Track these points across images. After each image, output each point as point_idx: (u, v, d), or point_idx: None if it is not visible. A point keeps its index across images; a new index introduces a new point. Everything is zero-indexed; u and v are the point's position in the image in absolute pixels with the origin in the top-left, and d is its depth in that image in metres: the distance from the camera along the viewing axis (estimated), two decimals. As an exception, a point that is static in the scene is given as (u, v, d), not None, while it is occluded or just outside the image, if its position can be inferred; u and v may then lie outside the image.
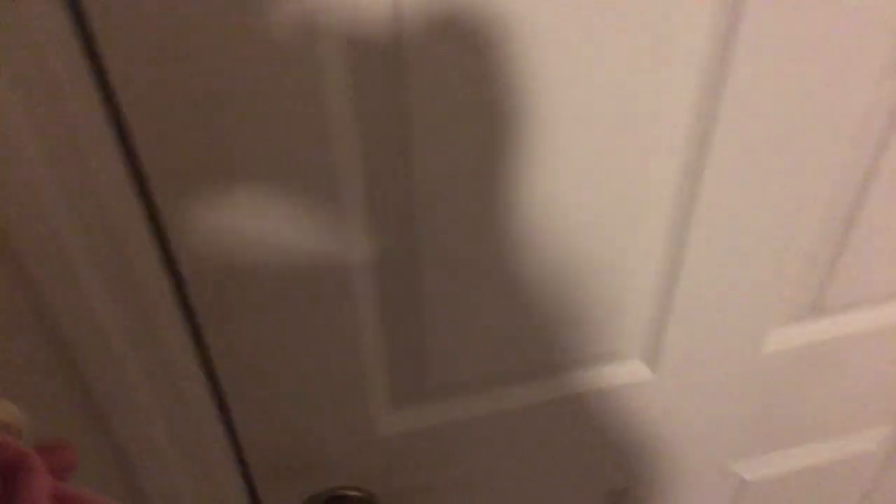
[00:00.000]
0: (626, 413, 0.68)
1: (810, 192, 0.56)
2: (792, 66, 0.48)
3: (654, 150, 0.51)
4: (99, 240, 0.42)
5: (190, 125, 0.41)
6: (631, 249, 0.56)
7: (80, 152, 0.39)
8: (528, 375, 0.62)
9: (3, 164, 0.36)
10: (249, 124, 0.42)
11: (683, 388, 0.68)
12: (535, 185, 0.50)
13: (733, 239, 0.57)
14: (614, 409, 0.67)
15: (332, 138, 0.44)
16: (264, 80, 0.41)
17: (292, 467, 0.62)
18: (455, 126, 0.46)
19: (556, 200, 0.51)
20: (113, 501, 0.31)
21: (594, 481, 0.74)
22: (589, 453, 0.71)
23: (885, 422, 0.81)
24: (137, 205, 0.44)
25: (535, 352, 0.60)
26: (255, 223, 0.46)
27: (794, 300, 0.64)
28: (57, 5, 0.36)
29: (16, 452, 0.29)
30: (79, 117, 0.38)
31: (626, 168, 0.51)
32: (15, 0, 0.34)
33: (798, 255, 0.60)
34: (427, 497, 0.69)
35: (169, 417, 0.51)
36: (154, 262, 0.46)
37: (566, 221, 0.53)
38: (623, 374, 0.65)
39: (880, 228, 0.60)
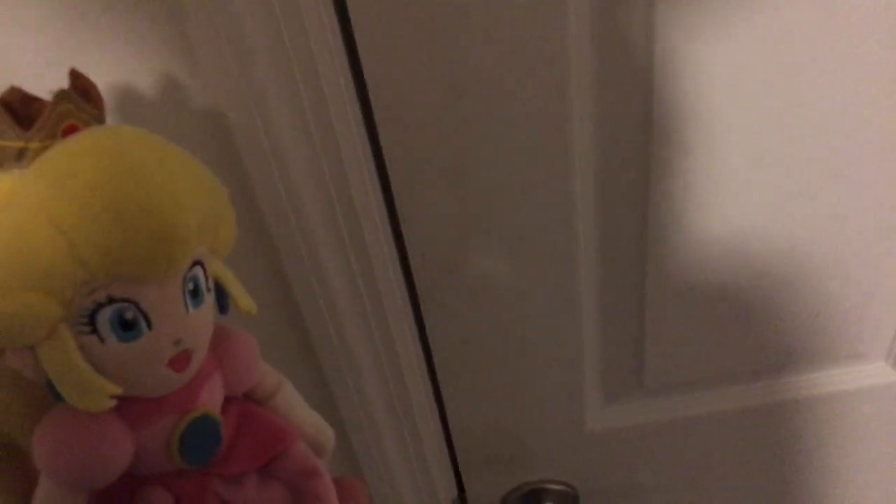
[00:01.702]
0: (864, 419, 0.60)
1: None
2: None
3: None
4: (343, 234, 0.42)
5: (432, 122, 0.41)
6: (885, 242, 0.50)
7: (341, 165, 0.40)
8: (753, 376, 0.57)
9: (271, 174, 0.38)
10: (490, 130, 0.42)
11: (934, 394, 0.59)
12: (776, 173, 0.45)
13: None
14: (850, 415, 0.60)
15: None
16: (507, 83, 0.40)
17: (499, 457, 0.61)
18: (696, 118, 0.42)
19: (802, 190, 0.46)
20: None
21: (822, 495, 0.67)
22: (814, 461, 0.64)
23: None
24: (380, 202, 0.44)
25: (764, 353, 0.55)
26: (488, 225, 0.46)
27: None
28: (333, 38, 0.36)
29: (312, 465, 0.31)
30: (341, 134, 0.39)
31: (883, 151, 0.45)
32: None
33: None
34: (630, 498, 0.66)
35: (389, 401, 0.51)
36: (390, 259, 0.46)
37: (812, 213, 0.47)
38: (864, 375, 0.58)
39: None
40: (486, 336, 0.52)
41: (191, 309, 0.26)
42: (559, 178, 0.44)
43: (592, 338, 0.53)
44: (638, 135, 0.43)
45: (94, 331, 0.24)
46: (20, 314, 0.22)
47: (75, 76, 0.25)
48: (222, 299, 0.29)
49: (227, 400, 0.30)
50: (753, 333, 0.54)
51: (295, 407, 0.34)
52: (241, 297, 0.29)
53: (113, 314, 0.24)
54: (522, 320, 0.51)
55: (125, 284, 0.23)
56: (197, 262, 0.26)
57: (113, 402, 0.24)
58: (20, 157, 0.24)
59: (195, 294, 0.26)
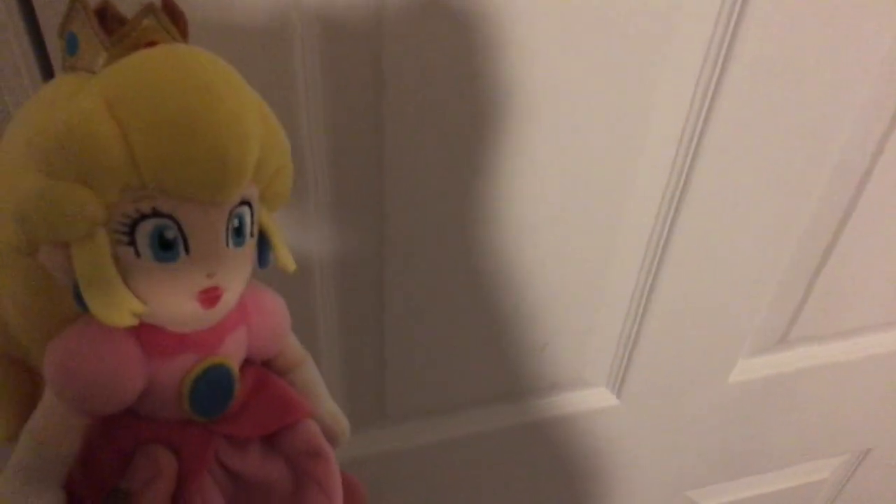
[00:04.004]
0: (590, 440, 0.66)
1: (787, 227, 0.55)
2: (780, 100, 0.47)
3: (633, 178, 0.49)
4: None
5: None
6: (601, 278, 0.54)
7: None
8: (489, 401, 0.60)
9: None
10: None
11: (647, 415, 0.66)
12: (505, 212, 0.48)
13: (707, 270, 0.56)
14: (577, 436, 0.65)
15: (302, 153, 0.41)
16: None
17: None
18: (428, 142, 0.43)
19: (528, 228, 0.49)
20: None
21: (552, 509, 0.72)
22: (548, 480, 0.68)
23: (841, 451, 0.81)
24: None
25: (497, 379, 0.58)
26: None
27: (763, 332, 0.63)
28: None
29: (321, 447, 0.29)
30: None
31: (600, 196, 0.49)
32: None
33: (771, 288, 0.59)
34: (379, 523, 0.66)
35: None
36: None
37: (536, 249, 0.50)
38: (588, 400, 0.63)
39: (852, 263, 0.59)
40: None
41: (231, 246, 0.24)
42: (299, 210, 0.43)
43: (332, 369, 0.52)
44: (370, 171, 0.43)
45: (132, 243, 0.22)
46: (65, 206, 0.21)
47: (167, 1, 0.24)
48: (264, 253, 0.27)
49: (246, 362, 0.28)
50: (488, 362, 0.56)
51: (315, 387, 0.32)
52: (284, 254, 0.27)
53: (154, 230, 0.22)
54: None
55: (171, 200, 0.22)
56: (246, 202, 0.25)
57: (135, 321, 0.23)
58: (91, 64, 0.24)
59: (238, 233, 0.25)
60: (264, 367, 0.30)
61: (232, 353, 0.27)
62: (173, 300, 0.24)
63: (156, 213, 0.22)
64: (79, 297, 0.23)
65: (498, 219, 0.48)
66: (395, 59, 0.39)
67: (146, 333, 0.24)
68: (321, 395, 0.33)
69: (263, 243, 0.27)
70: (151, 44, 0.24)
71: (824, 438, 0.78)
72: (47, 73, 0.35)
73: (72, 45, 0.25)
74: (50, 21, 0.34)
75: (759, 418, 0.70)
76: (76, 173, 0.21)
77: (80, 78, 0.24)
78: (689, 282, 0.56)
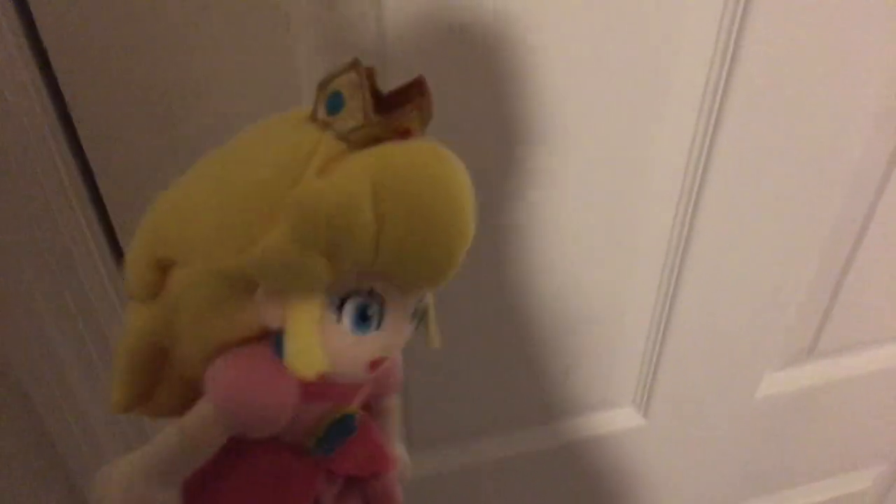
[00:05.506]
0: (618, 460, 0.65)
1: (807, 239, 0.54)
2: (788, 113, 0.47)
3: (647, 199, 0.49)
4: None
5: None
6: (622, 298, 0.54)
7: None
8: (516, 425, 0.60)
9: None
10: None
11: (676, 433, 0.66)
12: (525, 239, 0.48)
13: (726, 287, 0.55)
14: (606, 457, 0.65)
15: None
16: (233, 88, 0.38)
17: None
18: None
19: (549, 253, 0.50)
20: None
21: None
22: (579, 503, 0.68)
23: (879, 461, 0.80)
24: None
25: (523, 402, 0.58)
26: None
27: (789, 345, 0.62)
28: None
29: (394, 491, 0.32)
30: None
31: (619, 217, 0.50)
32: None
33: (794, 302, 0.58)
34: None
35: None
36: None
37: (558, 273, 0.51)
38: (614, 420, 0.63)
39: (874, 273, 0.58)
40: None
41: (411, 325, 0.26)
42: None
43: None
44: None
45: (339, 309, 0.24)
46: (304, 272, 0.23)
47: (421, 85, 0.25)
48: None
49: None
50: (513, 386, 0.56)
51: (394, 433, 0.34)
52: (434, 331, 0.29)
53: (360, 304, 0.24)
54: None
55: (386, 283, 0.24)
56: None
57: (316, 377, 0.24)
58: (349, 133, 0.24)
59: (417, 313, 0.27)
60: (366, 413, 0.32)
61: (359, 402, 0.29)
62: (351, 363, 0.25)
63: (370, 293, 0.24)
64: (277, 343, 0.24)
65: (517, 245, 0.48)
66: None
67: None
68: (397, 440, 0.35)
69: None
70: (407, 132, 0.25)
71: (859, 449, 0.76)
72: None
73: (335, 104, 0.25)
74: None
75: (790, 432, 0.69)
76: (324, 247, 0.23)
77: (326, 136, 0.24)
78: (710, 299, 0.56)
